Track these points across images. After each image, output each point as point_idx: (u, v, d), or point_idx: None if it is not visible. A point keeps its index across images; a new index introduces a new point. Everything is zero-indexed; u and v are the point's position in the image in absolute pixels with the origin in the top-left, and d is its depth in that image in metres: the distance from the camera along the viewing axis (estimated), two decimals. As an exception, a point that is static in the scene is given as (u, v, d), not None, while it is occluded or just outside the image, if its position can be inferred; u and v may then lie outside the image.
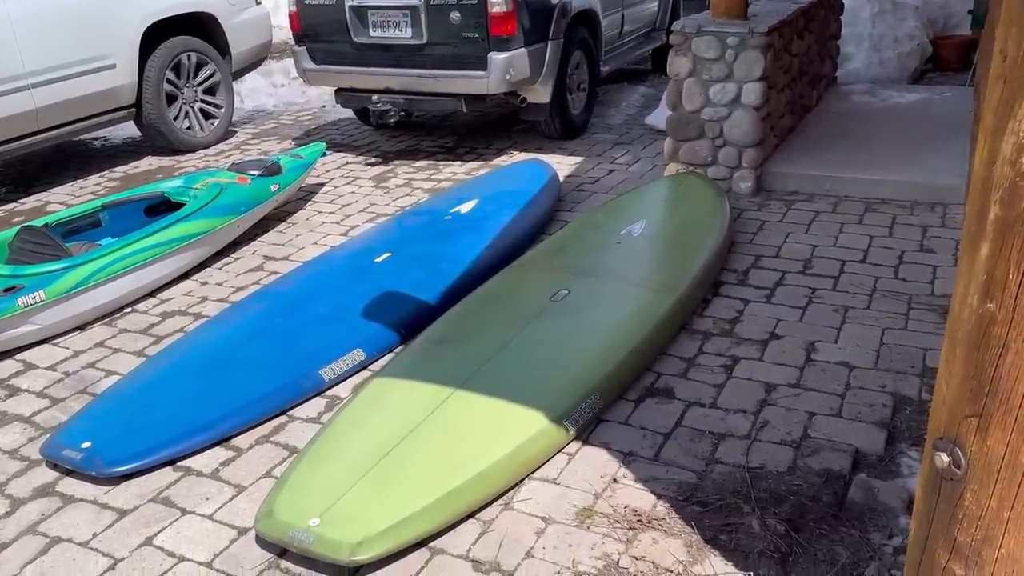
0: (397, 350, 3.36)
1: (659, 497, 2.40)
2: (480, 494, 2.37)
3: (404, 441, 2.52)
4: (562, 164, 5.70)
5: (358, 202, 5.21)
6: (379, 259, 3.86)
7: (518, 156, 5.98)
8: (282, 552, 2.29)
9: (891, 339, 3.19)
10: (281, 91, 8.59)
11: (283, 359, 3.09)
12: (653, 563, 2.16)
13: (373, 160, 6.08)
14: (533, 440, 2.54)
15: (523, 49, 5.48)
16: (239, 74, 7.11)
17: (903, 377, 2.93)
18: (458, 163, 5.88)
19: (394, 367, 2.98)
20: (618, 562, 2.17)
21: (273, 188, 4.72)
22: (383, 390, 2.83)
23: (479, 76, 5.45)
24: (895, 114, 5.99)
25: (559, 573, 2.15)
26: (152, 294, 4.03)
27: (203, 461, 2.72)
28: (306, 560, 2.24)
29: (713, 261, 3.73)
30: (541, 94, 5.83)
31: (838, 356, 3.09)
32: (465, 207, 4.46)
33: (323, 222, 4.90)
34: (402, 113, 5.80)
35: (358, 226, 4.80)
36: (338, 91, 6.07)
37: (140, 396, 2.91)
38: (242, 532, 2.38)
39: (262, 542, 2.32)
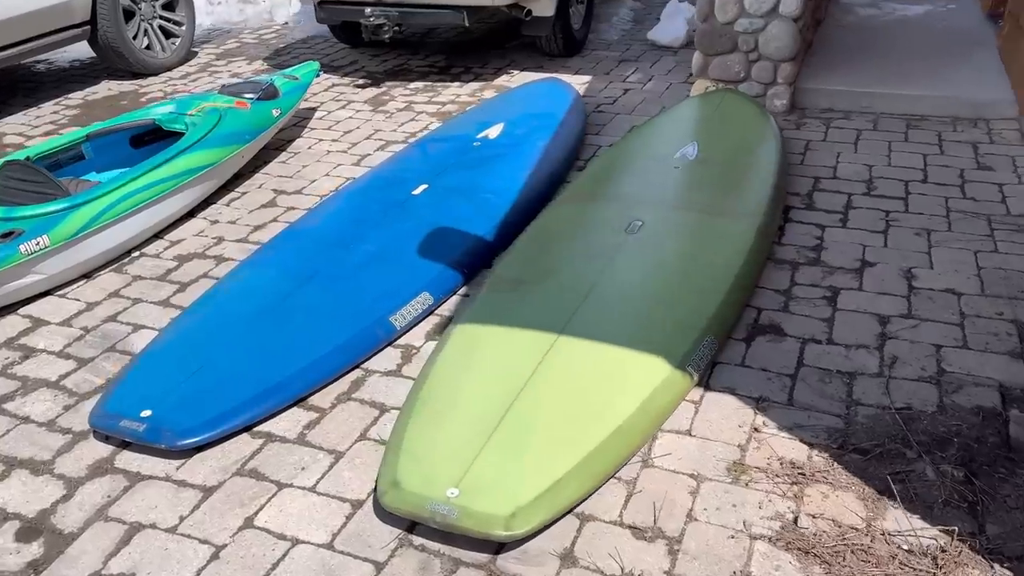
0: (461, 291, 3.05)
1: (810, 446, 2.21)
2: (623, 451, 2.13)
3: (520, 396, 2.24)
4: (572, 84, 5.34)
5: (360, 128, 4.77)
6: (416, 192, 3.50)
7: (519, 76, 5.58)
8: (411, 526, 2.02)
9: (987, 263, 3.04)
10: (218, 9, 7.81)
11: (347, 306, 2.75)
12: (833, 520, 1.97)
13: (362, 82, 5.59)
14: (661, 389, 2.29)
15: (530, -44, 5.04)
16: (199, -13, 6.44)
17: (1017, 303, 2.78)
18: (457, 84, 5.46)
19: (475, 312, 2.68)
20: (795, 521, 1.97)
21: (275, 113, 4.25)
22: (472, 339, 2.54)
23: (477, -14, 5.00)
24: (907, 27, 5.80)
25: (733, 537, 1.95)
26: (159, 235, 3.58)
27: (283, 425, 2.39)
28: (441, 535, 1.98)
29: (781, 183, 3.50)
30: (546, 6, 5.41)
31: (940, 283, 2.93)
32: (492, 132, 4.09)
33: (329, 151, 4.47)
34: (396, 28, 5.30)
35: (369, 155, 4.39)
36: (321, 3, 5.52)
37: (192, 354, 2.54)
38: (356, 505, 2.09)
39: (386, 516, 2.05)
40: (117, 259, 3.39)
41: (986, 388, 2.39)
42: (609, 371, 2.34)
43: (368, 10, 5.21)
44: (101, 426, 2.33)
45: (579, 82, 5.39)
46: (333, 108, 5.13)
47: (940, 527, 1.94)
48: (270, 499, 2.13)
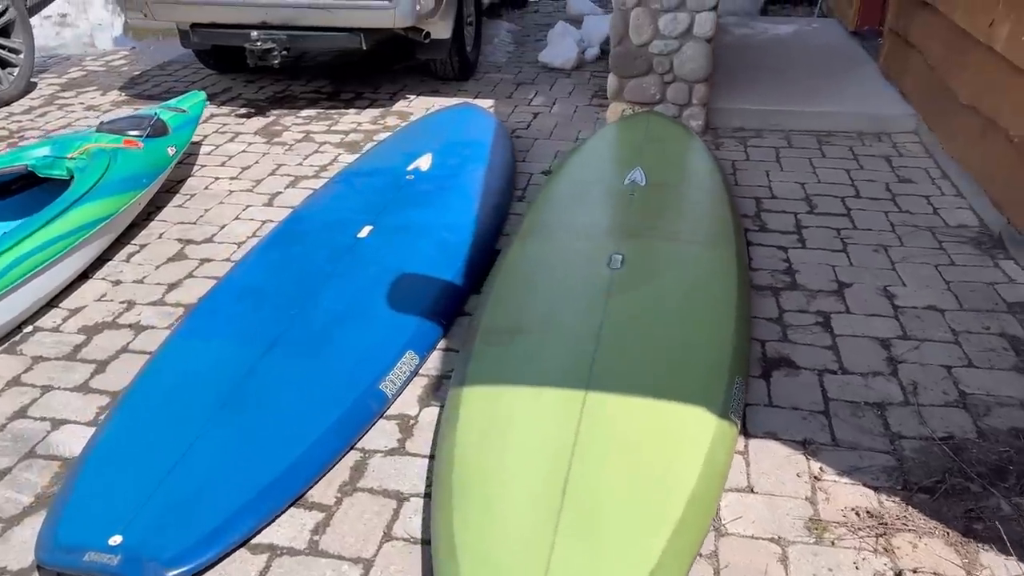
0: (440, 345, 2.74)
1: (875, 490, 2.09)
2: (704, 522, 1.92)
3: (571, 468, 1.98)
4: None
5: (259, 163, 4.31)
6: (362, 234, 3.13)
7: (417, 101, 5.29)
8: (489, 647, 1.71)
9: (951, 276, 3.10)
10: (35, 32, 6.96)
11: (328, 377, 2.37)
12: (934, 573, 1.85)
13: (244, 111, 5.10)
14: (716, 444, 2.10)
15: (430, -25, 4.78)
16: (36, 8, 5.67)
17: (996, 315, 2.84)
18: (353, 111, 5.09)
19: (476, 372, 2.38)
20: (900, 578, 1.84)
21: (171, 151, 3.73)
22: (486, 404, 2.24)
23: (384, 7, 4.67)
24: (785, 45, 6.03)
25: (844, 606, 1.79)
26: (52, 303, 3.01)
27: (287, 532, 1.99)
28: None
29: (735, 206, 3.44)
30: (443, 29, 5.16)
31: (920, 300, 2.94)
32: (422, 163, 3.79)
33: (230, 190, 3.98)
34: (285, 52, 4.86)
35: (280, 192, 3.95)
36: (194, 27, 4.97)
37: (154, 456, 2.08)
38: (411, 628, 1.76)
39: (455, 638, 1.72)
40: (5, 337, 2.81)
41: (1012, 408, 2.38)
42: (657, 428, 2.13)
43: (255, 33, 4.73)
44: (56, 563, 1.84)
45: (482, 106, 5.16)
46: (220, 141, 4.62)
47: (1042, 566, 1.87)
48: (302, 632, 1.75)
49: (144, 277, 3.21)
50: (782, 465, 2.18)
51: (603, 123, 4.74)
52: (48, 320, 2.92)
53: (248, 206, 3.81)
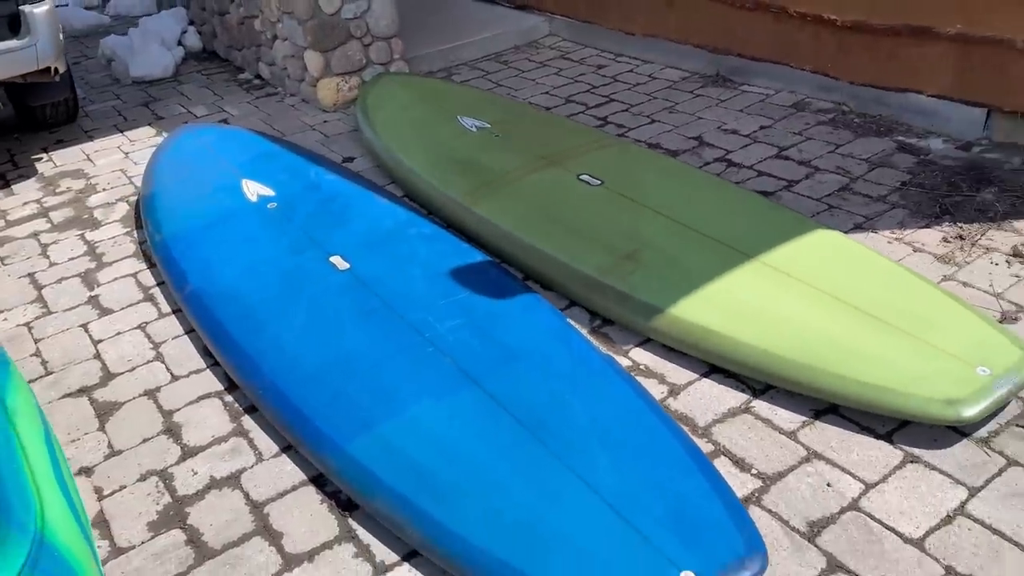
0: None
1: None
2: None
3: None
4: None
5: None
6: (343, 267, 2.65)
7: (64, 154, 4.23)
8: None
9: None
10: None
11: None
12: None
13: None
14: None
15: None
16: None
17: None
18: (25, 181, 3.85)
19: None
20: None
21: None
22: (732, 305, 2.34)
23: (22, 47, 3.58)
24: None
25: None
26: None
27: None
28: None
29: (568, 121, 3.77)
30: (62, 63, 4.14)
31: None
32: (264, 190, 3.18)
33: None
34: None
35: (47, 286, 2.97)
36: None
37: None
38: None
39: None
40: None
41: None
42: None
43: None
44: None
45: (149, 145, 4.36)
46: None
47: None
48: None
49: None
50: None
51: (317, 104, 4.46)
52: None
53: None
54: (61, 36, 3.85)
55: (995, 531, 1.76)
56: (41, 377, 2.59)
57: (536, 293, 2.57)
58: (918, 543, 1.75)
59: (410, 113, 3.85)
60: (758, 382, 2.22)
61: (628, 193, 2.93)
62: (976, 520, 1.79)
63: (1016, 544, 1.73)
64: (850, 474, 1.93)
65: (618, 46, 4.82)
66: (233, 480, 2.13)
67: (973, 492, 1.85)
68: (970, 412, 1.93)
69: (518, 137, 3.49)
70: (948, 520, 1.80)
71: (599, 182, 3.02)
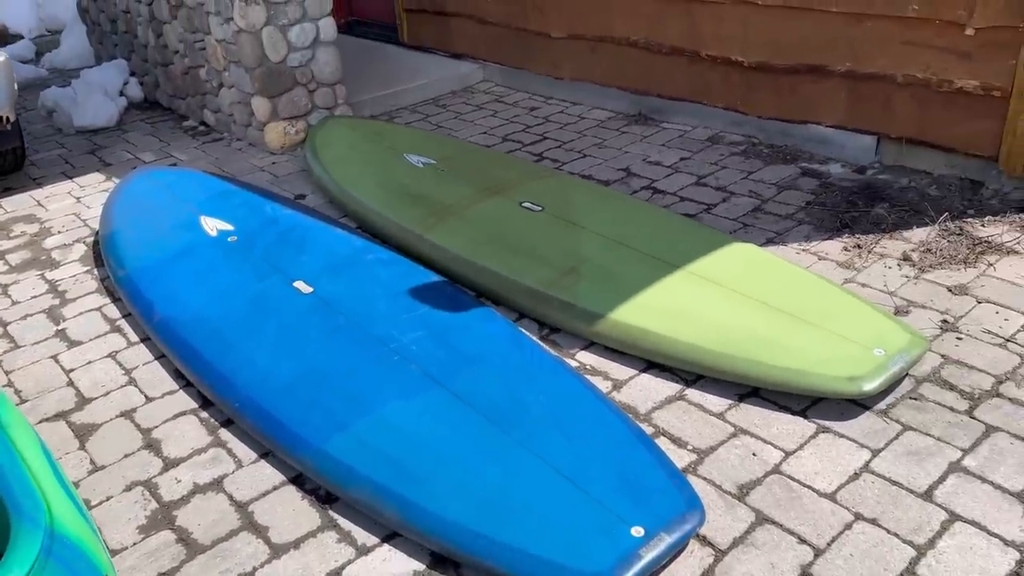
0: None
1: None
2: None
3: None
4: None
5: (-50, 325, 3.19)
6: (306, 291, 2.86)
7: (11, 199, 4.31)
8: None
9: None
10: None
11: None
12: (907, 257, 3.02)
13: None
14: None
15: None
16: None
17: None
18: (-46, 238, 3.92)
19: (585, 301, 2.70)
20: None
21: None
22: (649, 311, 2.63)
23: (-22, 96, 3.71)
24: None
25: None
26: None
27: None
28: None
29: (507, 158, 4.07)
30: (12, 112, 4.26)
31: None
32: (224, 225, 3.37)
33: (-18, 358, 2.95)
34: None
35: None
36: None
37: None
38: None
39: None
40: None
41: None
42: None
43: None
44: None
45: (106, 187, 4.49)
46: None
47: None
48: None
49: None
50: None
51: (265, 147, 4.66)
52: None
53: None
54: (16, 86, 3.98)
55: (894, 483, 2.06)
56: (17, 405, 2.70)
57: (489, 307, 2.82)
58: (831, 496, 2.04)
59: (359, 152, 4.10)
60: (690, 373, 2.51)
61: (567, 217, 3.23)
62: (878, 475, 2.09)
63: (911, 491, 2.03)
64: (772, 445, 2.22)
65: (549, 90, 5.19)
66: (216, 485, 2.30)
67: (875, 453, 2.16)
68: (869, 386, 2.25)
69: (462, 171, 3.77)
70: (855, 477, 2.09)
71: (540, 208, 3.32)
